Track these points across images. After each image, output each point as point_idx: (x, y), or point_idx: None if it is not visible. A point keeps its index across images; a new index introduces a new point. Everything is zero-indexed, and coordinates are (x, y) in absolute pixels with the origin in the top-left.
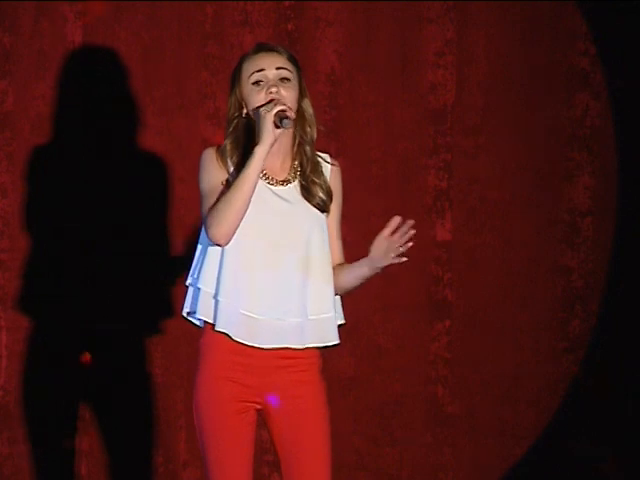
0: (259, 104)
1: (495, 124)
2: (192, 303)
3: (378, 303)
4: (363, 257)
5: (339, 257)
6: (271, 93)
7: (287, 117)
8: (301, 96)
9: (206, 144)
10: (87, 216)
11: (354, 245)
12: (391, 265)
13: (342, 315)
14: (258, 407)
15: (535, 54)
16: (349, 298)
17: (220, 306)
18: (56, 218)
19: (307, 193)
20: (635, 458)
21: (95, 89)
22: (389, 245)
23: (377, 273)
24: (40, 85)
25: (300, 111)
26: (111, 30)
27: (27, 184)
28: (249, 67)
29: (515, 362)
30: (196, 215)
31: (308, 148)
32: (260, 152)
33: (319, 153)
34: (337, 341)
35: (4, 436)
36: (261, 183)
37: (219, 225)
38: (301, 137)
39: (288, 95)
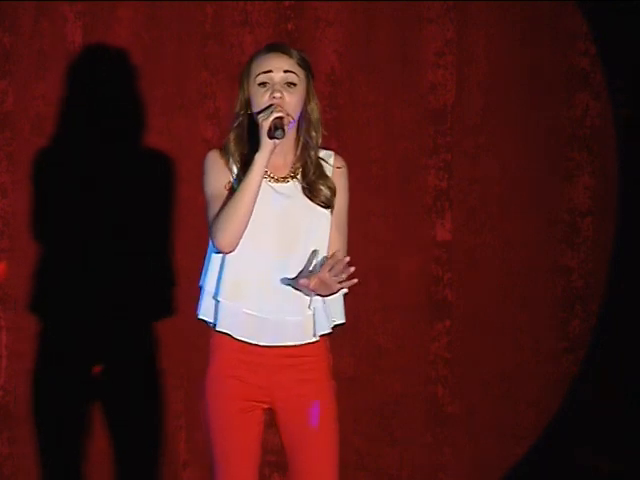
0: (261, 107)
1: (495, 124)
2: (201, 304)
3: (378, 303)
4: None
5: (335, 250)
6: (274, 98)
7: (282, 127)
8: (308, 100)
9: (206, 144)
10: (87, 216)
11: (354, 245)
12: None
13: (342, 315)
14: (265, 406)
15: (535, 54)
16: (349, 298)
17: (221, 306)
18: (56, 218)
19: (310, 193)
20: (635, 458)
21: (95, 89)
22: (328, 281)
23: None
24: (40, 85)
25: (305, 115)
26: (111, 30)
27: (28, 184)
28: (257, 67)
29: (515, 362)
30: (196, 215)
31: (313, 153)
32: (260, 161)
33: (323, 151)
34: (339, 322)
35: (4, 436)
36: (263, 181)
37: (223, 235)
38: (306, 141)
39: (291, 101)
